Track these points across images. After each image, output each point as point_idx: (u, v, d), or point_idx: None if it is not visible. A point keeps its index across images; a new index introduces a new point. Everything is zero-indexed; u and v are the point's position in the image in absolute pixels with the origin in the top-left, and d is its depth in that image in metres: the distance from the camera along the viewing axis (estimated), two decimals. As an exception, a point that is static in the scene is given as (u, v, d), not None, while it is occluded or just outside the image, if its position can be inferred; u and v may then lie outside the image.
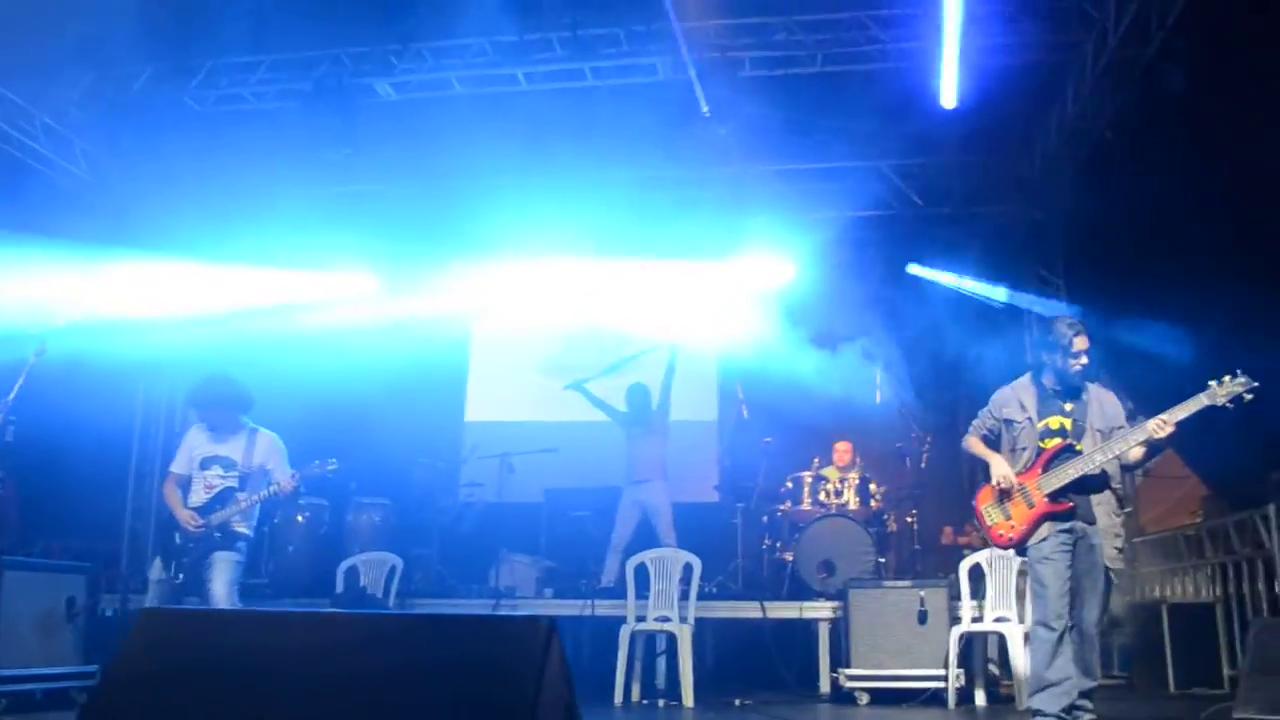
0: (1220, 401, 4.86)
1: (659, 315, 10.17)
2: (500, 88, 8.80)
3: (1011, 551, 5.81)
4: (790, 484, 8.69)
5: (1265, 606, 6.85)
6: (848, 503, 8.41)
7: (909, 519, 8.62)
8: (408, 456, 9.83)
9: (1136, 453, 5.06)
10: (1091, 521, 5.07)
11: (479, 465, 9.58)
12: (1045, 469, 5.11)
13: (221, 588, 6.02)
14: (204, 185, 9.73)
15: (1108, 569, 5.07)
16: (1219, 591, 7.55)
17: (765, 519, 8.89)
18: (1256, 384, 4.83)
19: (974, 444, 5.48)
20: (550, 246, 10.06)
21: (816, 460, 8.82)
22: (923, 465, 8.59)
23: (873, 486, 8.54)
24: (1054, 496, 5.06)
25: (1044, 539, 5.07)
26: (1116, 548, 5.08)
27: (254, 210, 9.99)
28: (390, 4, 8.39)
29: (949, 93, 7.93)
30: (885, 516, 8.54)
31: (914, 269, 9.87)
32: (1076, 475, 5.03)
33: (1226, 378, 4.89)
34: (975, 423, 5.50)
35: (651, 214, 10.03)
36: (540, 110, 9.01)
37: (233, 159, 9.34)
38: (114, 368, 8.95)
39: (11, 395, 5.21)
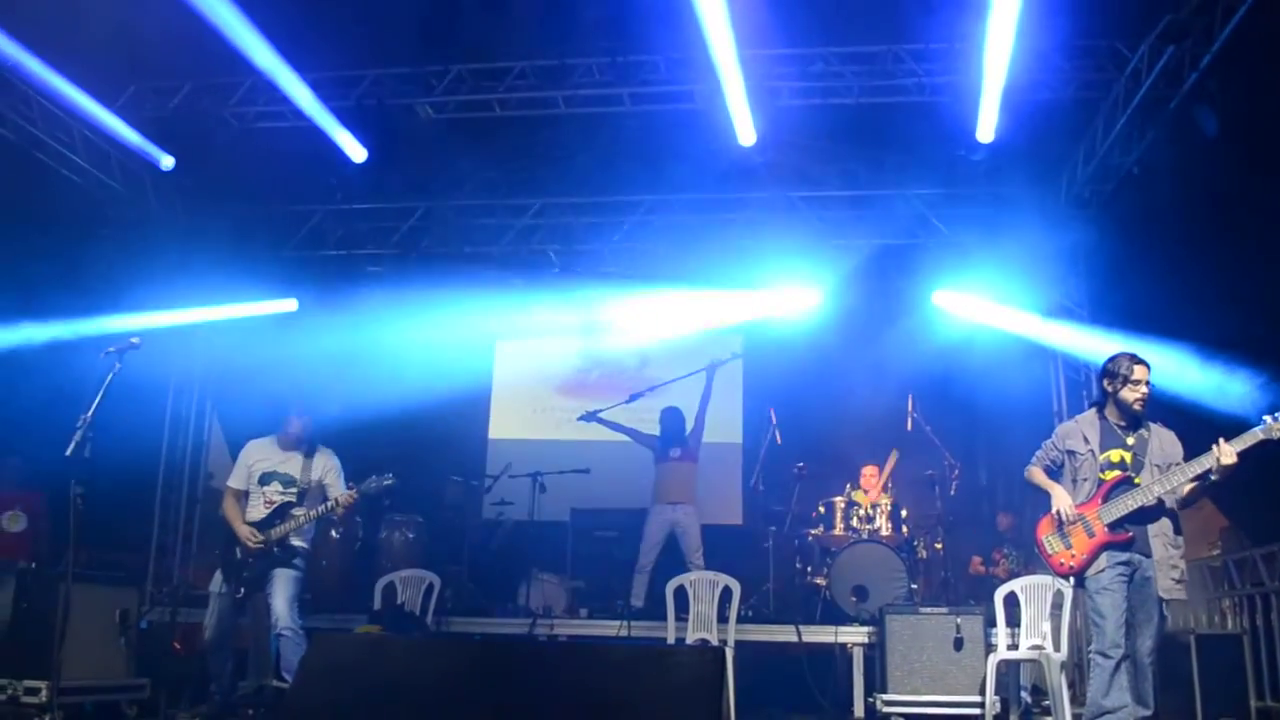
0: (1276, 436, 4.99)
1: (686, 339, 10.32)
2: (539, 110, 8.88)
3: (1058, 580, 5.96)
4: (823, 509, 8.80)
5: (1294, 639, 6.97)
6: (880, 528, 8.53)
7: (937, 546, 8.72)
8: (439, 473, 9.89)
9: (1188, 488, 5.20)
10: (1147, 554, 5.21)
11: (506, 483, 9.64)
12: (1105, 500, 5.27)
13: (283, 604, 6.10)
14: (240, 200, 9.75)
15: (1162, 600, 5.19)
16: (1246, 623, 7.66)
17: (796, 543, 8.98)
18: None
19: (1036, 475, 5.65)
20: (580, 270, 10.14)
21: (849, 485, 8.92)
22: (952, 493, 8.69)
23: (904, 512, 8.65)
24: (1113, 527, 5.22)
25: (1102, 570, 5.21)
26: (1174, 579, 5.19)
27: (287, 227, 10.03)
28: (433, 26, 8.48)
29: (987, 128, 8.08)
30: (915, 543, 8.65)
31: (939, 297, 9.95)
32: (1135, 507, 5.20)
33: None
34: (1038, 454, 5.67)
35: (683, 238, 10.11)
36: (577, 133, 9.15)
37: (270, 176, 9.39)
38: (142, 381, 8.94)
39: (90, 411, 5.25)
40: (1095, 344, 9.29)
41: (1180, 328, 8.12)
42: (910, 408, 8.85)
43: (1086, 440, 5.45)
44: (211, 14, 7.33)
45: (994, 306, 9.70)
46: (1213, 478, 5.08)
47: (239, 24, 7.69)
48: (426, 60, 8.62)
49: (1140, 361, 5.37)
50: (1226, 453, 4.97)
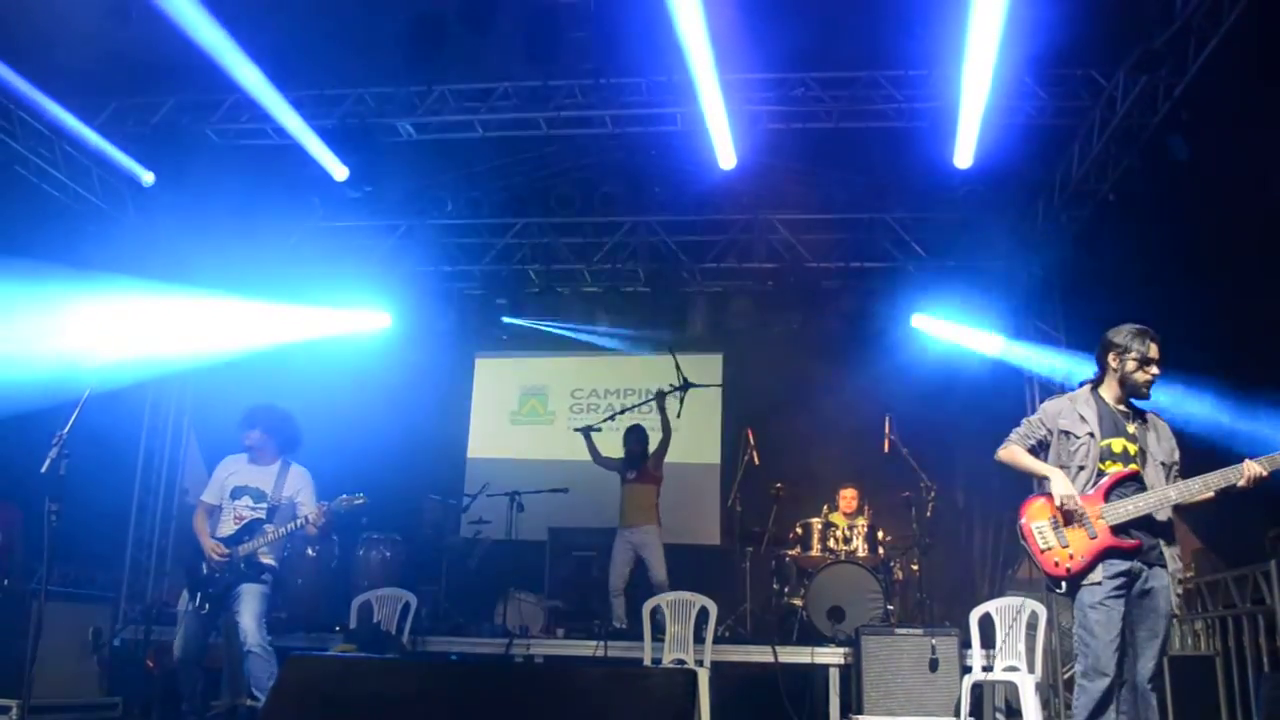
0: None
1: (662, 360, 10.34)
2: (521, 131, 8.93)
3: (1031, 600, 5.89)
4: (800, 530, 8.81)
5: (1266, 661, 7.01)
6: (856, 549, 8.56)
7: (914, 567, 8.75)
8: (416, 492, 9.87)
9: (1203, 497, 4.52)
10: (1159, 564, 4.55)
11: (484, 502, 9.64)
12: (1108, 497, 4.55)
13: (250, 620, 6.04)
14: (221, 218, 9.74)
15: (1174, 616, 4.57)
16: (1219, 645, 7.71)
17: (773, 564, 9.00)
18: None
19: (1020, 455, 4.84)
20: (558, 289, 10.17)
21: (825, 507, 8.96)
22: (928, 515, 8.71)
23: (880, 534, 8.68)
24: (1118, 531, 4.49)
25: (1098, 582, 4.50)
26: (1178, 594, 4.59)
27: (269, 244, 10.03)
28: (416, 46, 8.51)
29: (964, 154, 8.18)
30: (891, 564, 8.67)
31: (917, 320, 10.03)
32: (1147, 510, 4.50)
33: None
34: (1019, 431, 4.91)
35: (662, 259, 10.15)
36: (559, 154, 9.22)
37: (251, 193, 9.39)
38: (120, 399, 8.91)
39: (66, 429, 5.25)
40: (1070, 367, 9.39)
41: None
42: (887, 429, 8.89)
43: (1084, 421, 4.66)
44: (194, 31, 7.33)
45: (971, 330, 9.78)
46: (1240, 485, 4.41)
47: (222, 41, 7.71)
48: (410, 79, 8.64)
49: (1156, 340, 4.61)
50: (1254, 473, 4.38)
